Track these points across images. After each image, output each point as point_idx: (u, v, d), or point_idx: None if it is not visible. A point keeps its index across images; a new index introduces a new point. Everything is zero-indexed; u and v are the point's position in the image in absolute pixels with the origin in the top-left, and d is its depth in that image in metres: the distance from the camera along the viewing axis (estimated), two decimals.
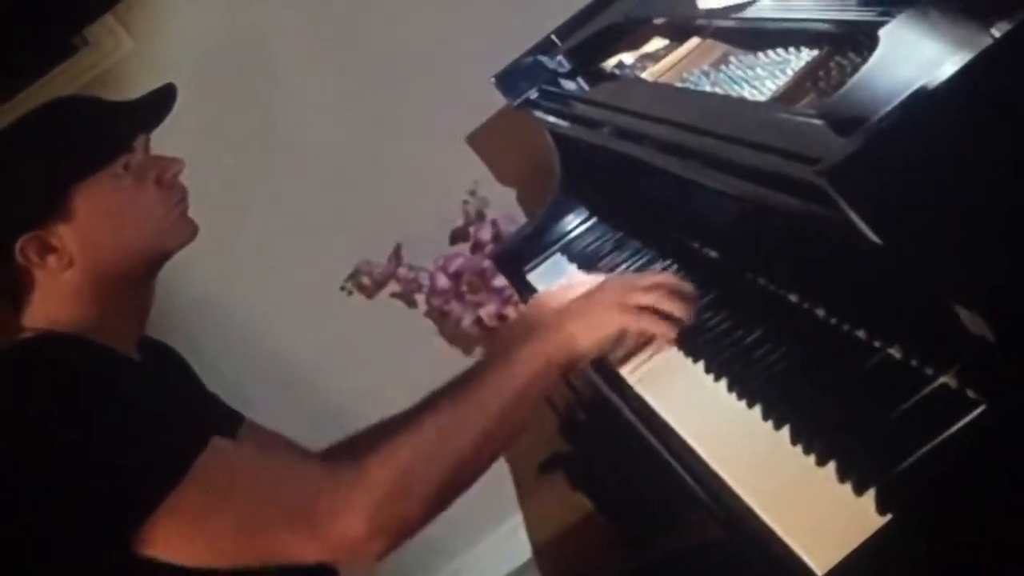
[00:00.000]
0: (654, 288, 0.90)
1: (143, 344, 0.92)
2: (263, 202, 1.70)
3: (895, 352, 0.73)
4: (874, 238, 0.60)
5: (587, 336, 0.88)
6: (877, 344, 0.75)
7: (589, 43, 1.35)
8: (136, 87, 0.96)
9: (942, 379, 0.67)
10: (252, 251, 1.71)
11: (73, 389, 0.76)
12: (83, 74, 1.61)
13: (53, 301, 0.85)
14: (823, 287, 0.82)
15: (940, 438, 0.62)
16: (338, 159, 1.72)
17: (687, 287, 0.92)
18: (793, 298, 0.87)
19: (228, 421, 0.99)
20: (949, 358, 0.66)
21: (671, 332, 0.90)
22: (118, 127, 0.88)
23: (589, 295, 0.91)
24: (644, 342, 0.92)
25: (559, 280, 1.09)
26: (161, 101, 0.90)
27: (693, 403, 0.86)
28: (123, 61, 1.62)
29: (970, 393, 0.65)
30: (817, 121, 0.68)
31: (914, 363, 0.70)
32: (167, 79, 0.90)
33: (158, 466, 0.75)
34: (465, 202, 1.71)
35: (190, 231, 0.90)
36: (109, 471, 0.75)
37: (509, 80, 1.39)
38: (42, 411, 0.75)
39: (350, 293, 1.74)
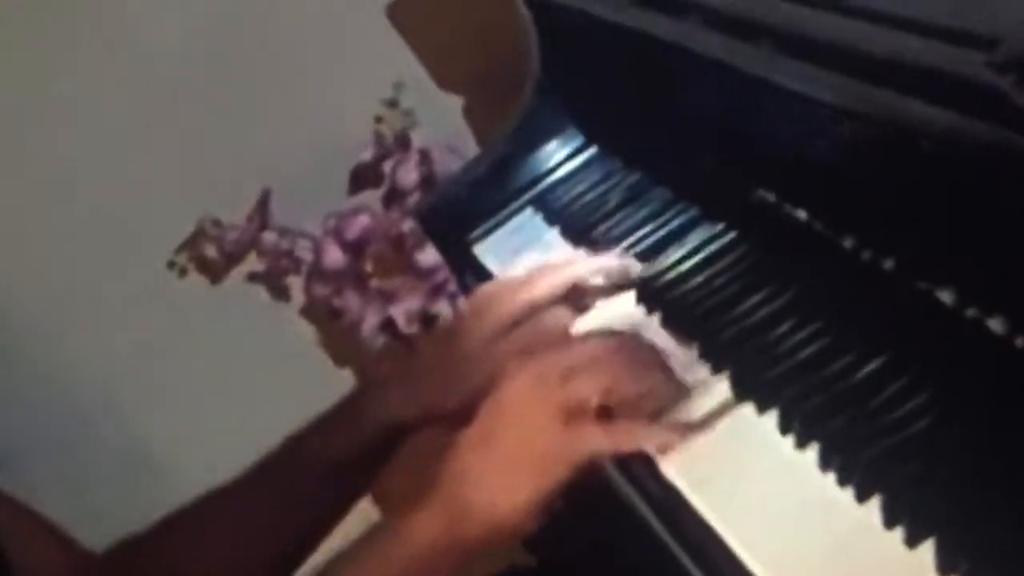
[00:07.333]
0: (585, 370, 0.88)
1: None
2: (54, 119, 1.70)
3: None
4: None
5: (498, 512, 0.87)
6: None
7: None
8: None
9: None
10: (28, 207, 1.70)
11: None
12: None
13: None
14: (1008, 282, 0.78)
15: None
16: (177, 54, 1.73)
17: (634, 344, 0.91)
18: (948, 299, 0.84)
19: None
20: None
21: (650, 438, 0.88)
22: None
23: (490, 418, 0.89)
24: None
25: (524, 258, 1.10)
26: None
27: (754, 493, 0.84)
28: None
29: None
30: None
31: None
32: None
33: None
34: (378, 119, 1.71)
35: None
36: None
37: None
38: None
39: (183, 273, 1.75)
